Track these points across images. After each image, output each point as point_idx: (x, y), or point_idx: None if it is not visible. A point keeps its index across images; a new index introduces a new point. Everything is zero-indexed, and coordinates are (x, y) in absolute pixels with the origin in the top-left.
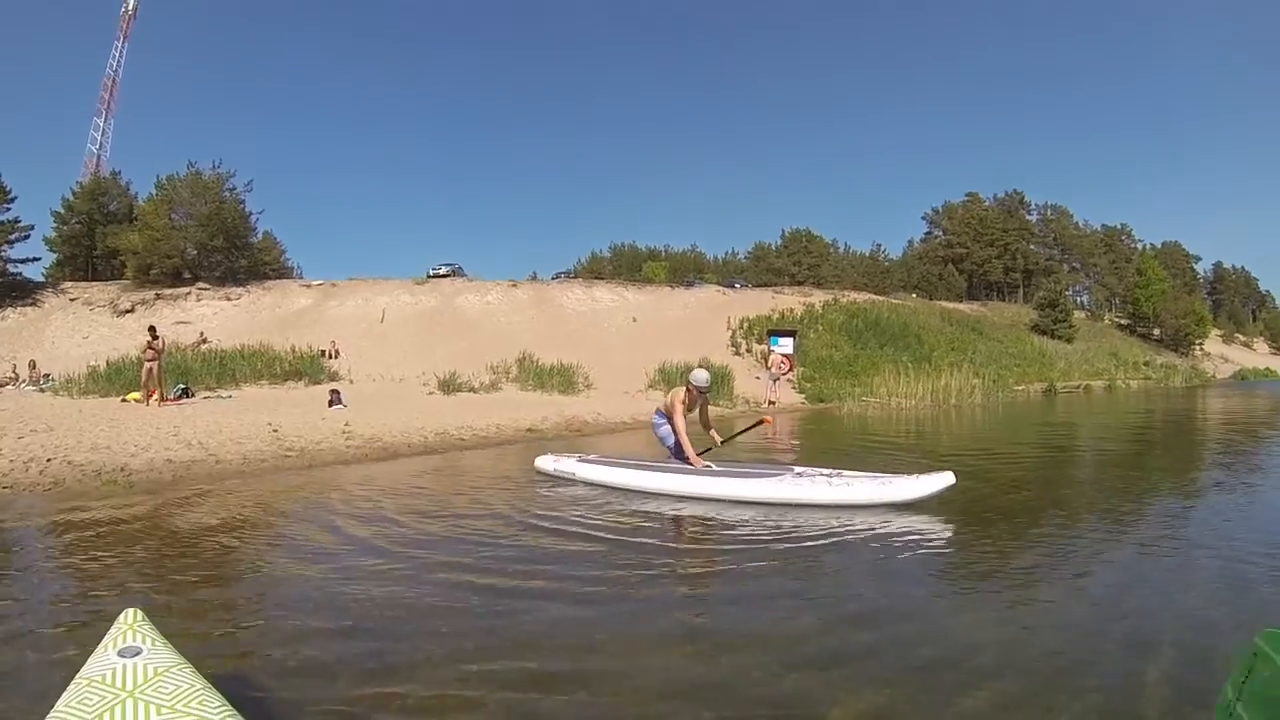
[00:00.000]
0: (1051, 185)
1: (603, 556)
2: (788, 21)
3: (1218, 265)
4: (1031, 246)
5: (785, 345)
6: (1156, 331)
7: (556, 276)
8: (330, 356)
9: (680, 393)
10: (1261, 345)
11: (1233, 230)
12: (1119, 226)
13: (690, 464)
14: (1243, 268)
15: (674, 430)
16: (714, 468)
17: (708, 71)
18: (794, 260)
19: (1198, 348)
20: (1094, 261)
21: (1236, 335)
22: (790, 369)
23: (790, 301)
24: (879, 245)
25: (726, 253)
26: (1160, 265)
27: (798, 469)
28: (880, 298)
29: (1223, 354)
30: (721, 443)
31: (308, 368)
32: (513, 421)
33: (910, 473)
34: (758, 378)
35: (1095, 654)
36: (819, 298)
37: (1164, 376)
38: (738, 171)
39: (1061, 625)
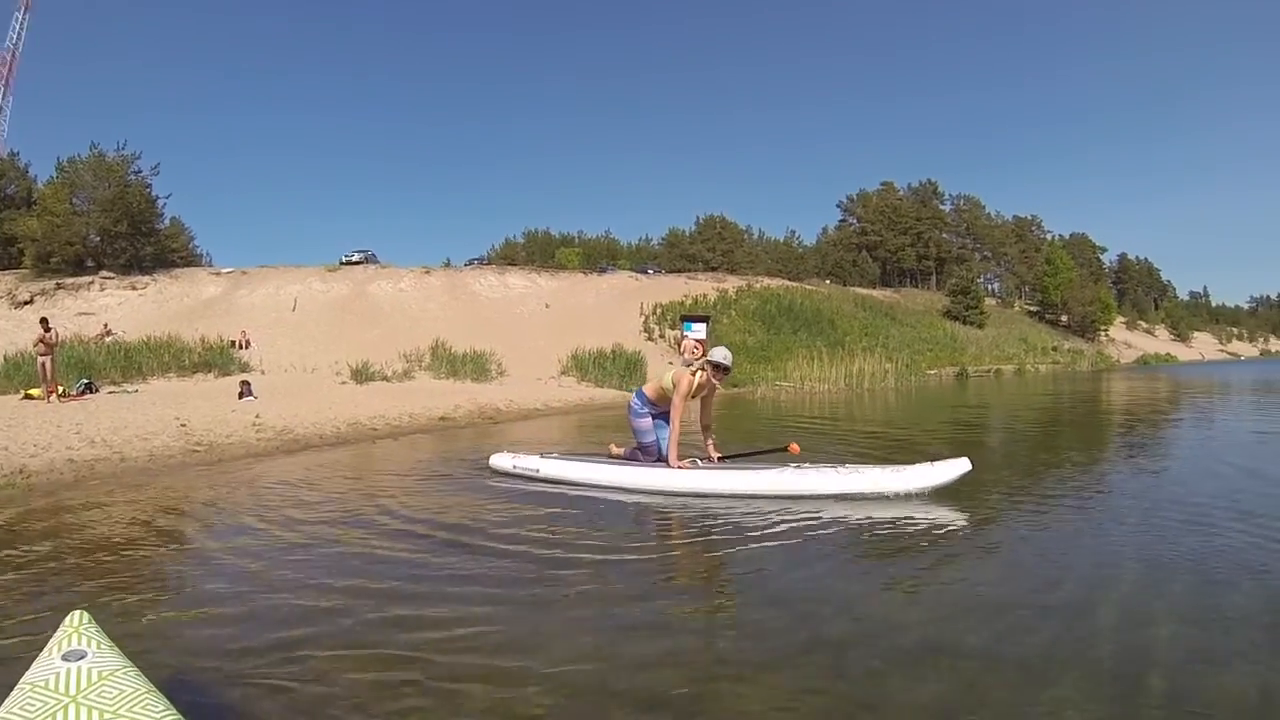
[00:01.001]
0: (965, 177)
1: (521, 545)
2: (705, 10)
3: (1123, 256)
4: (944, 235)
5: (699, 330)
6: (1064, 318)
7: (470, 263)
8: (241, 347)
9: (685, 375)
10: (1163, 332)
11: (1137, 224)
12: (1029, 218)
13: (668, 464)
14: (1146, 259)
15: (671, 421)
16: (700, 463)
17: (624, 58)
18: (708, 246)
19: (1103, 334)
20: (1005, 251)
21: (1139, 322)
22: (703, 355)
23: (704, 287)
24: (793, 232)
25: (640, 239)
26: (1068, 255)
27: (793, 461)
28: (794, 284)
29: (1126, 340)
30: (720, 459)
31: (217, 359)
32: (425, 410)
33: (905, 462)
34: (670, 363)
35: (1017, 630)
36: (733, 284)
37: (1071, 361)
38: (652, 158)
39: (982, 602)
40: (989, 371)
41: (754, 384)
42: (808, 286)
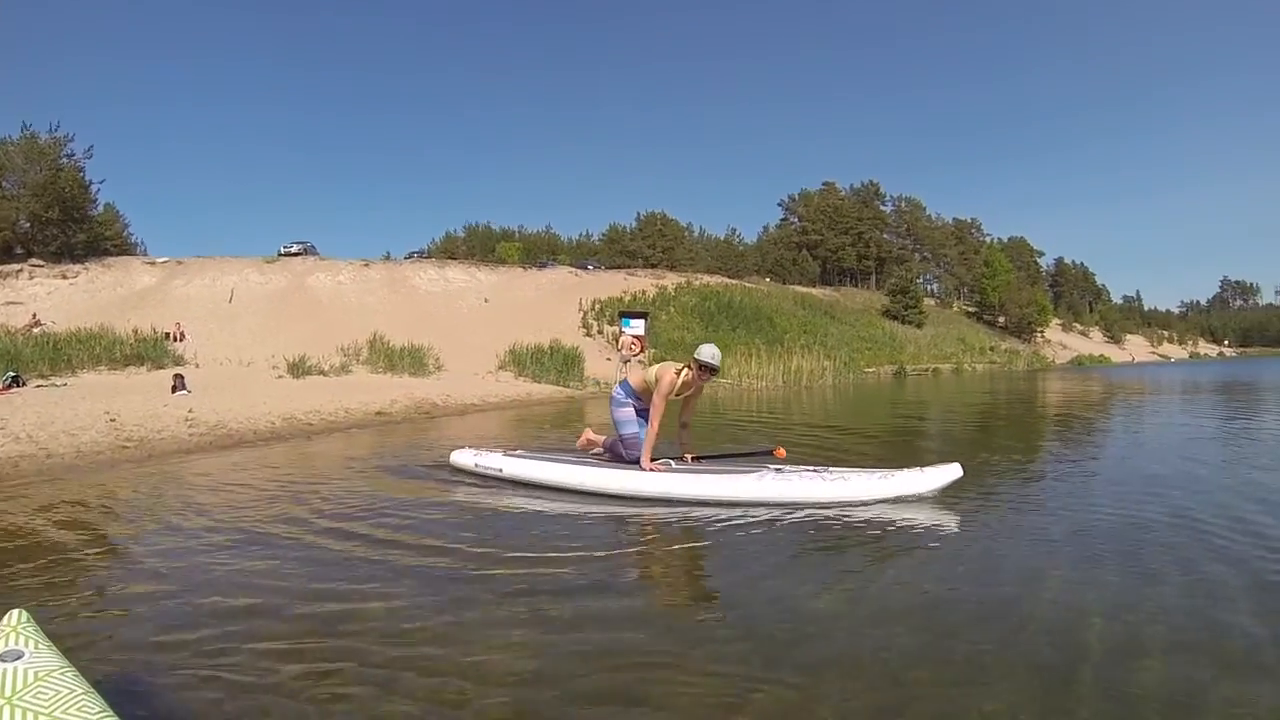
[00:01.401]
0: (907, 178)
1: (458, 543)
2: (648, 7)
3: (1059, 260)
4: (885, 236)
5: (637, 327)
6: (1001, 319)
7: (410, 256)
8: (175, 339)
9: (669, 370)
10: (1097, 334)
11: (1074, 229)
12: (969, 220)
13: (640, 465)
14: (1082, 263)
15: (650, 420)
16: (674, 465)
17: (567, 53)
18: (649, 243)
19: (1039, 335)
20: (944, 252)
21: (1075, 324)
22: (641, 350)
23: (643, 283)
24: (734, 230)
25: (581, 234)
26: (1007, 258)
27: (774, 465)
28: (734, 281)
29: (1062, 341)
30: (694, 460)
31: (151, 351)
32: (362, 405)
33: (894, 467)
34: (608, 359)
35: (952, 626)
36: (672, 280)
37: (1008, 361)
38: (595, 153)
39: (919, 600)
40: (927, 370)
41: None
42: (747, 284)
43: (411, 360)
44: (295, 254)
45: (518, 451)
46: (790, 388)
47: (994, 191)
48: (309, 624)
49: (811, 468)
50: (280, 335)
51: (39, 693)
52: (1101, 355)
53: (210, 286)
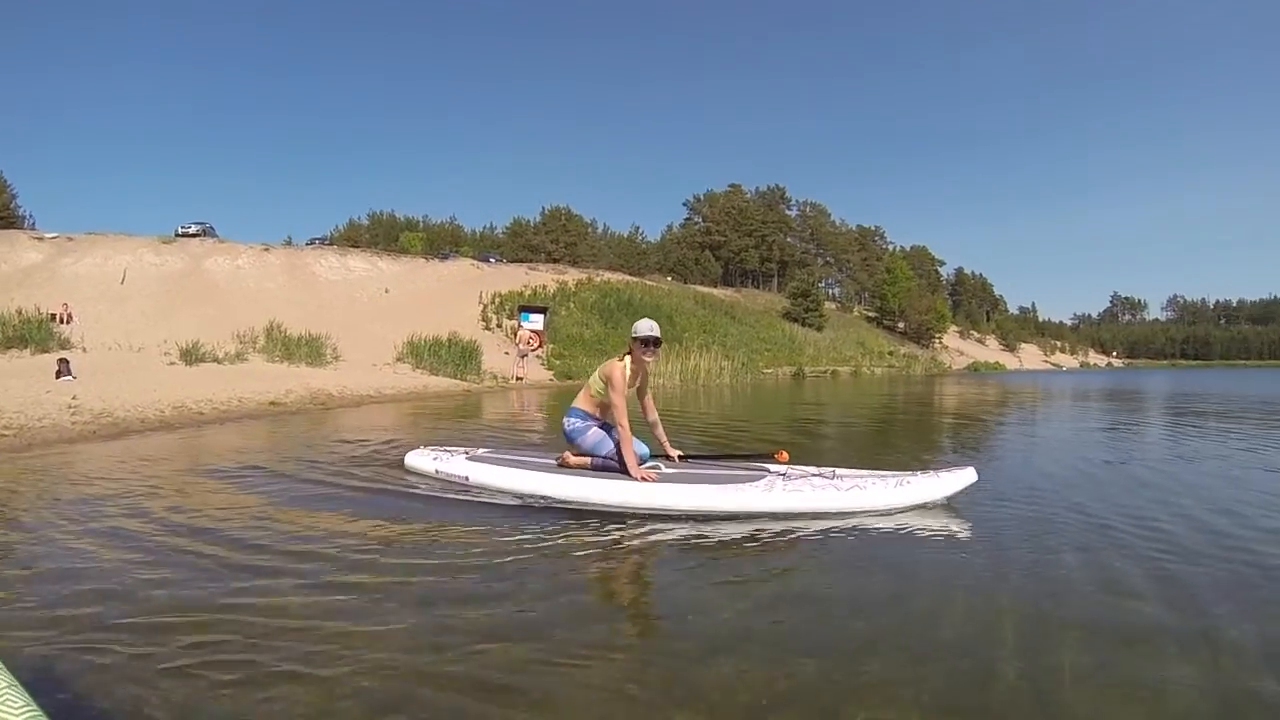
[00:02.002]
0: (813, 184)
1: (358, 539)
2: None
3: (959, 270)
4: (789, 239)
5: (535, 321)
6: (901, 325)
7: (311, 242)
8: (62, 321)
9: (614, 365)
10: (993, 342)
11: (974, 242)
12: (873, 228)
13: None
14: (981, 274)
15: (618, 426)
16: (664, 469)
17: (476, 48)
18: (552, 238)
19: (938, 341)
20: (847, 257)
21: (972, 332)
22: (540, 345)
23: (544, 278)
24: (637, 228)
25: (485, 226)
26: (908, 266)
27: (775, 469)
28: (635, 279)
29: (959, 348)
30: (681, 459)
31: (35, 334)
32: (255, 395)
33: (922, 469)
34: (506, 353)
35: (842, 623)
36: (573, 276)
37: (906, 365)
38: (501, 145)
39: (811, 598)
40: (826, 372)
41: (587, 376)
42: (648, 282)
43: (309, 349)
44: (193, 235)
45: (482, 453)
46: (687, 387)
47: (898, 202)
48: (183, 620)
49: (816, 472)
50: (174, 320)
51: None
52: (997, 362)
53: (101, 266)
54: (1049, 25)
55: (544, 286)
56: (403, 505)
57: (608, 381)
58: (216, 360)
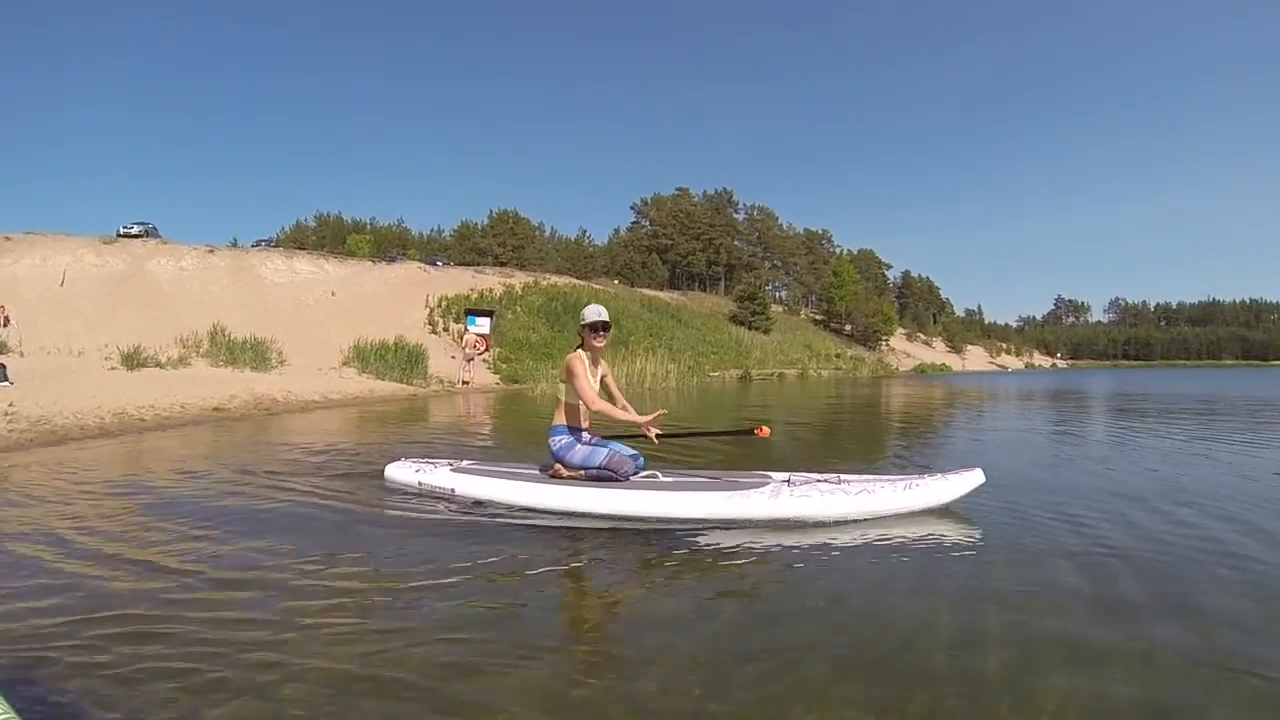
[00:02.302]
0: (761, 188)
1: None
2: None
3: (906, 273)
4: (736, 243)
5: (482, 325)
6: (848, 327)
7: (257, 244)
8: None
9: (574, 358)
10: (939, 344)
11: (921, 245)
12: (821, 231)
13: (638, 427)
14: (928, 278)
15: (584, 399)
16: (662, 477)
17: (424, 51)
18: (499, 241)
19: (884, 343)
20: (795, 261)
21: (919, 334)
22: (486, 349)
23: (491, 282)
24: (585, 231)
25: (433, 229)
26: (855, 269)
27: (778, 475)
28: (582, 282)
29: (906, 350)
30: (659, 438)
31: None
32: (199, 400)
33: (930, 472)
34: (453, 357)
35: (787, 631)
36: (520, 279)
37: (853, 367)
38: (450, 148)
39: (755, 600)
40: (772, 375)
41: (534, 380)
42: (595, 285)
43: (254, 354)
44: (135, 235)
45: (467, 465)
46: (633, 389)
47: (846, 206)
48: (121, 630)
49: (821, 477)
50: (115, 323)
51: None
52: (943, 364)
53: (40, 267)
54: (991, 33)
55: (490, 290)
56: (355, 517)
57: (570, 374)
58: (159, 365)
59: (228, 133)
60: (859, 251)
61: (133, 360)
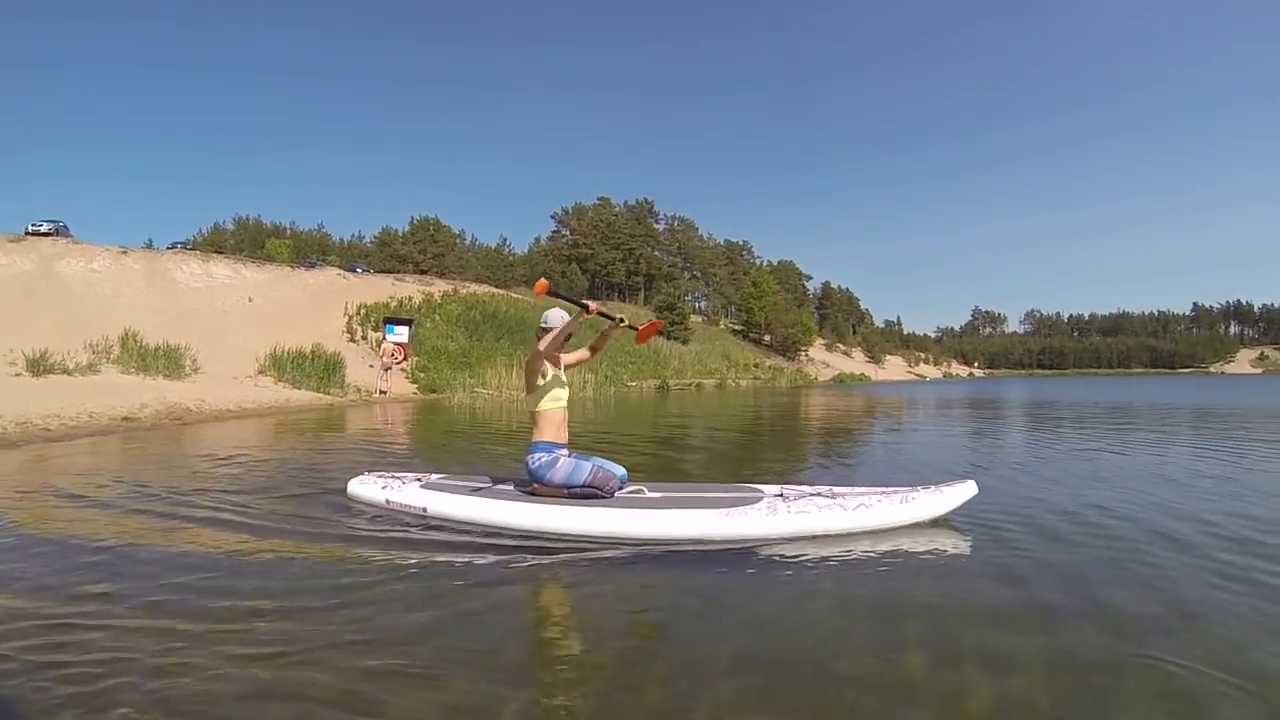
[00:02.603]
0: (682, 198)
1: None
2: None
3: (826, 284)
4: (656, 253)
5: (400, 334)
6: (767, 338)
7: (173, 246)
8: None
9: (532, 353)
10: (859, 354)
11: (841, 257)
12: (741, 242)
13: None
14: (847, 288)
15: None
16: (647, 493)
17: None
18: (420, 248)
19: (804, 354)
20: (715, 271)
21: (838, 345)
22: (405, 358)
23: (410, 290)
24: (505, 239)
25: (354, 235)
26: (775, 280)
27: (770, 489)
28: (501, 291)
29: (825, 360)
30: (597, 312)
31: None
32: (108, 409)
33: (924, 484)
34: (371, 366)
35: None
36: (440, 287)
37: (771, 378)
38: (370, 152)
39: (665, 605)
40: (691, 385)
41: (451, 390)
42: (514, 294)
43: (167, 361)
44: (45, 234)
45: (437, 479)
46: None
47: (767, 216)
48: (16, 645)
49: (814, 492)
50: (21, 326)
51: None
52: (862, 374)
53: None
54: (908, 48)
55: (410, 298)
56: (277, 529)
57: (530, 368)
58: (67, 371)
59: (142, 129)
60: (779, 262)
61: (39, 366)
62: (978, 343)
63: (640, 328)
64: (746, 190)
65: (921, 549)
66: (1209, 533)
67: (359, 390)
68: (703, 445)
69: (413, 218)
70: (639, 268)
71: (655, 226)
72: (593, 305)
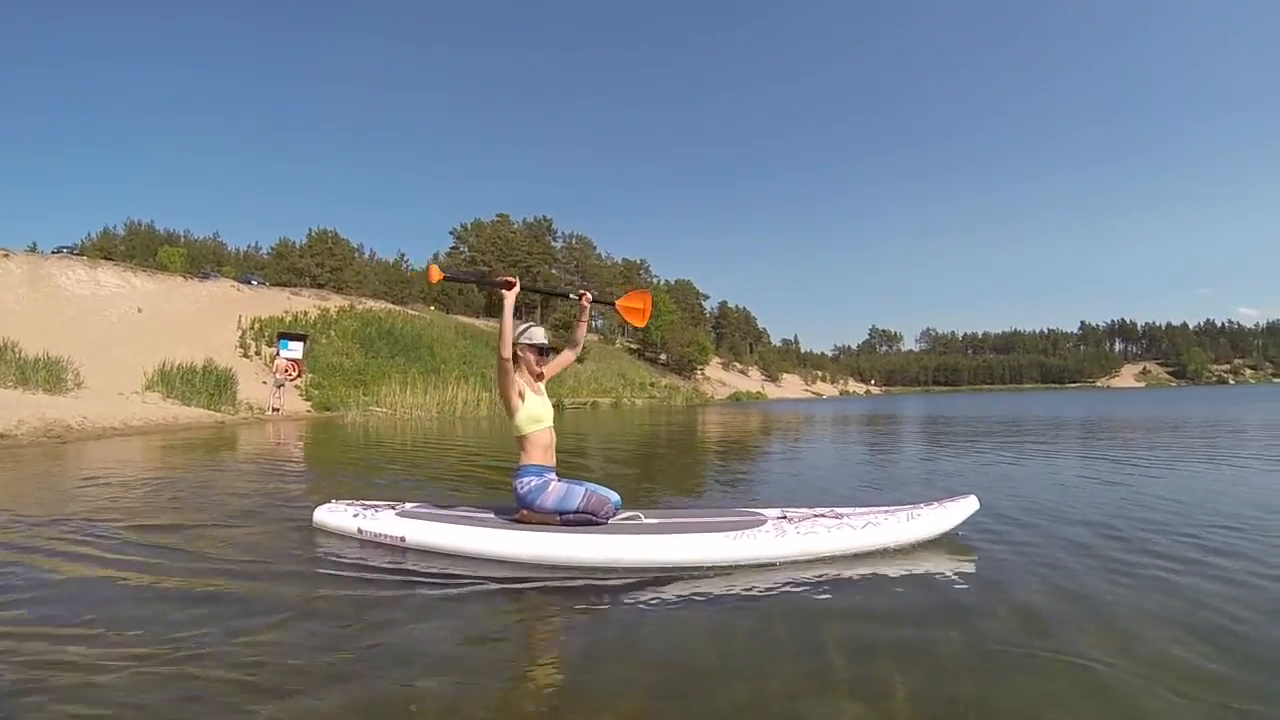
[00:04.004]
0: (581, 217)
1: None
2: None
3: (723, 304)
4: (554, 271)
5: (294, 350)
6: (664, 356)
7: (58, 251)
8: None
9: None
10: (755, 373)
11: (739, 277)
12: (639, 261)
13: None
14: (745, 308)
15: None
16: (644, 519)
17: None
18: (317, 262)
19: (700, 372)
20: (612, 290)
21: (735, 363)
22: (299, 375)
23: (306, 304)
24: (403, 255)
25: (250, 245)
26: (672, 299)
27: (770, 511)
28: (398, 307)
29: (721, 379)
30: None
31: None
32: None
33: (925, 501)
34: (264, 382)
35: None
36: (336, 302)
37: (667, 396)
38: (268, 160)
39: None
40: (586, 404)
41: (345, 408)
42: (411, 311)
43: (47, 373)
44: None
45: (412, 508)
46: (445, 419)
47: (664, 237)
48: None
49: (818, 512)
50: None
51: None
52: (759, 392)
53: None
54: (805, 71)
55: (305, 313)
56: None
57: (499, 377)
58: None
59: (27, 126)
60: (677, 281)
61: None
62: (875, 361)
63: (616, 302)
64: (645, 209)
65: (906, 567)
66: (1103, 534)
67: (251, 408)
68: (600, 467)
69: (311, 229)
70: (536, 285)
71: (553, 245)
72: (512, 280)
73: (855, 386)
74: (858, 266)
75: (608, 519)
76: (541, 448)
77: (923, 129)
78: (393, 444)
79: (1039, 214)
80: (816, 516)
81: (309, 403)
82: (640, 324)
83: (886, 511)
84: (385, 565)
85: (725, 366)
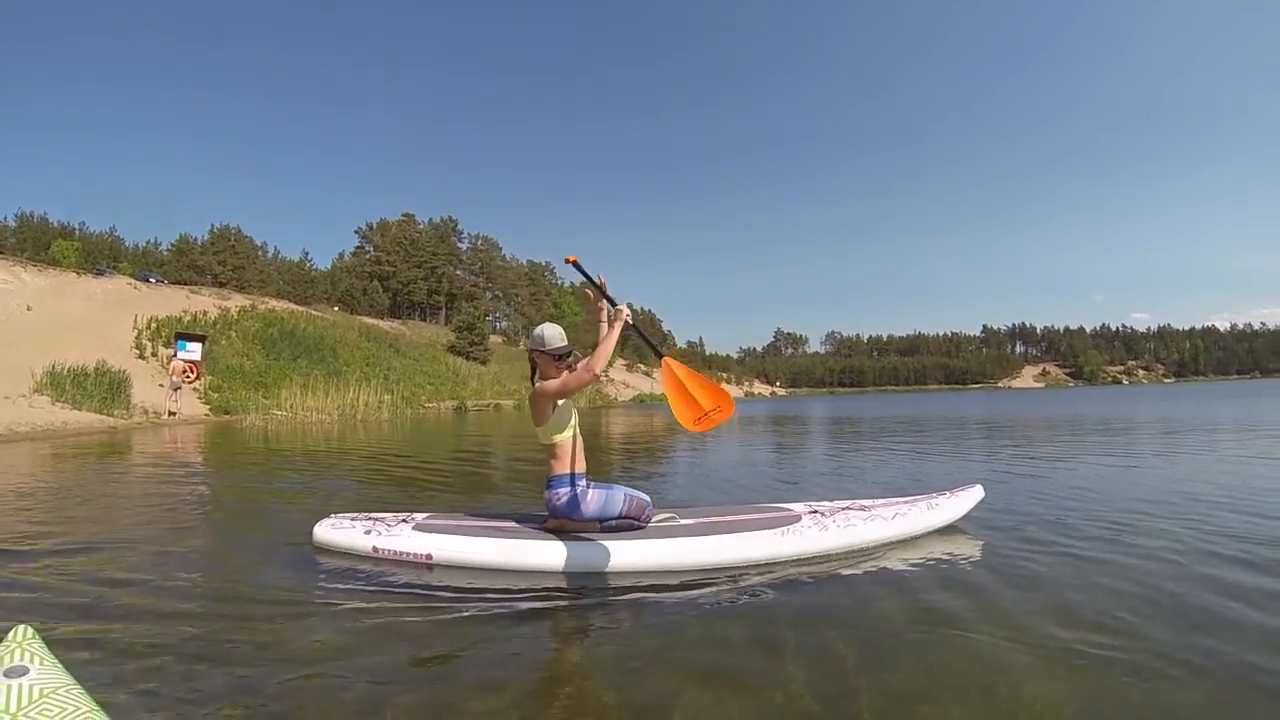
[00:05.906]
0: (486, 218)
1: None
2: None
3: (628, 305)
4: (458, 272)
5: (193, 351)
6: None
7: None
8: None
9: (541, 387)
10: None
11: (648, 278)
12: (544, 263)
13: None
14: (650, 309)
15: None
16: (681, 520)
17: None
18: (219, 259)
19: (604, 374)
20: (516, 292)
21: (639, 365)
22: (196, 377)
23: (206, 303)
24: (307, 254)
25: (149, 241)
26: (576, 301)
27: (798, 506)
28: (300, 308)
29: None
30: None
31: None
32: None
33: (930, 492)
34: (161, 385)
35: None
36: (237, 302)
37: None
38: (172, 152)
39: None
40: (489, 406)
41: (245, 411)
42: (314, 312)
43: None
44: None
45: (424, 520)
46: (346, 421)
47: (577, 237)
48: None
49: (847, 505)
50: None
51: (45, 709)
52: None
53: None
54: (727, 79)
55: (205, 312)
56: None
57: (541, 397)
58: None
59: None
60: (582, 284)
61: None
62: (780, 363)
63: (675, 367)
64: (549, 210)
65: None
66: (1021, 521)
67: (146, 411)
68: (504, 466)
69: (213, 225)
70: (441, 286)
71: (459, 245)
72: (623, 308)
73: (761, 388)
74: (764, 267)
75: (648, 522)
76: (573, 453)
77: (830, 138)
78: (293, 448)
79: (942, 220)
80: (845, 509)
81: (207, 406)
82: (690, 427)
83: (908, 501)
84: (407, 583)
85: (629, 368)
